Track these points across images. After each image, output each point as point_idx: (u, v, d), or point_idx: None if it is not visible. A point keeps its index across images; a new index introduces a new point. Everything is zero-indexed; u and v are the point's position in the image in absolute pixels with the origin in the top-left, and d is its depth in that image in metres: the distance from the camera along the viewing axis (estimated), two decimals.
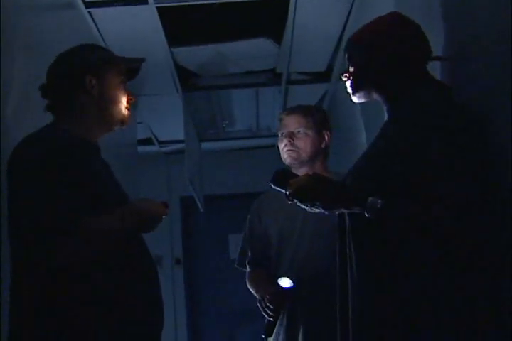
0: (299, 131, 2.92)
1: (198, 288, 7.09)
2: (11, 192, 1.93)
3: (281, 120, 3.03)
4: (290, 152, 2.91)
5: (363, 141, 3.99)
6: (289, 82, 5.06)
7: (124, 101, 2.18)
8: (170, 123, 5.79)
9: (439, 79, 2.07)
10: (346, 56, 2.06)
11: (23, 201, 1.88)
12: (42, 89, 2.14)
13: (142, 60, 2.34)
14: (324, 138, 2.95)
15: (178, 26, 4.05)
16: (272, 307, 2.65)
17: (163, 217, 2.08)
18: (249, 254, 3.03)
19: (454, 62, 2.10)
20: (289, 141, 2.91)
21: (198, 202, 5.85)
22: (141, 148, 5.80)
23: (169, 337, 6.60)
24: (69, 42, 2.22)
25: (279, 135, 3.00)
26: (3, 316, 2.11)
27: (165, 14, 3.81)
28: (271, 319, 2.66)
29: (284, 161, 2.97)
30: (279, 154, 3.01)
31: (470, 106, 1.88)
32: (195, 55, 4.51)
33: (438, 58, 2.03)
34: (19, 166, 1.94)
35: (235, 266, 3.13)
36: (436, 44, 2.07)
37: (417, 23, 1.98)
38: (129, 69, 2.26)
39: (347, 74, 2.04)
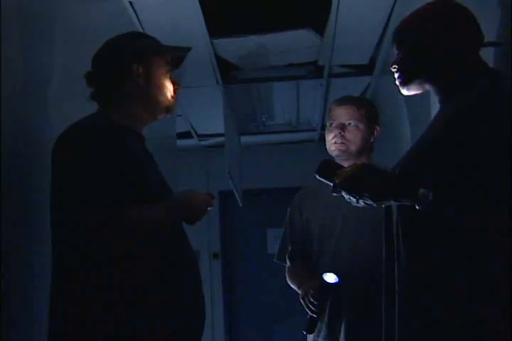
0: (349, 124, 2.84)
1: (236, 283, 7.06)
2: (54, 181, 1.91)
3: (331, 110, 2.93)
4: (338, 144, 2.82)
5: (407, 135, 3.90)
6: (331, 75, 4.98)
7: (170, 90, 2.14)
8: (209, 116, 5.75)
9: (492, 65, 1.99)
10: (395, 45, 1.98)
11: (66, 190, 1.84)
12: (87, 76, 2.11)
13: (189, 48, 2.30)
14: (373, 132, 2.88)
15: (220, 17, 4.00)
16: (316, 303, 2.59)
17: (209, 208, 2.04)
18: (289, 248, 2.97)
19: (508, 48, 2.00)
20: (340, 133, 2.82)
21: (236, 197, 5.81)
22: (180, 142, 5.73)
23: (206, 331, 6.55)
24: (109, 32, 2.20)
25: (328, 125, 2.91)
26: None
27: (206, 4, 3.76)
28: (314, 315, 2.60)
29: (330, 152, 2.88)
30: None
31: None
32: (236, 46, 4.45)
33: (492, 43, 1.93)
34: (63, 155, 1.91)
35: (275, 260, 3.07)
36: (491, 29, 1.98)
37: (469, 8, 1.90)
38: (175, 58, 2.21)
39: (396, 66, 1.95)
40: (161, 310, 1.87)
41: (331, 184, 1.83)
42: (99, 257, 1.81)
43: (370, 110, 2.91)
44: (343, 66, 4.91)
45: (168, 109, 2.15)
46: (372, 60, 4.72)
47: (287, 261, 2.98)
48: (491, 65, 2.00)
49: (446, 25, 1.85)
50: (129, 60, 2.06)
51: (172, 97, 2.15)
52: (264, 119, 6.22)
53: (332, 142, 2.85)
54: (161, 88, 2.11)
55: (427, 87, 1.92)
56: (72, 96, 2.40)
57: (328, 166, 1.92)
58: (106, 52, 2.11)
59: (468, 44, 1.86)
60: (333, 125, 2.87)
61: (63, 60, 2.63)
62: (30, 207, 2.31)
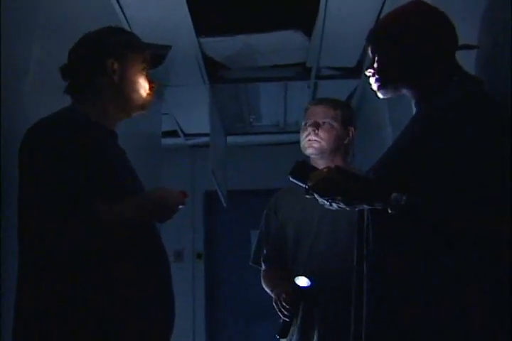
0: (324, 122, 2.84)
1: (218, 283, 7.03)
2: (21, 176, 1.86)
3: (307, 110, 2.94)
4: (312, 142, 2.82)
5: (390, 138, 3.90)
6: (319, 77, 4.98)
7: (145, 87, 2.11)
8: (196, 116, 5.73)
9: (471, 67, 1.97)
10: (370, 48, 1.96)
11: (32, 185, 1.81)
12: (62, 69, 2.08)
13: (168, 47, 2.28)
14: (349, 133, 2.87)
15: (207, 15, 3.98)
16: (288, 307, 2.57)
17: (180, 206, 2.00)
18: (265, 251, 2.95)
19: (489, 51, 1.98)
20: (313, 131, 2.82)
21: (220, 197, 5.78)
22: (166, 140, 5.74)
23: (187, 331, 6.57)
24: (93, 27, 2.16)
25: (303, 125, 2.92)
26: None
27: (193, 3, 3.74)
28: (287, 319, 2.58)
29: (303, 151, 2.88)
30: None
31: (503, 99, 1.78)
32: (223, 45, 4.44)
33: (468, 46, 1.89)
34: (31, 149, 1.87)
35: (250, 263, 3.05)
36: (473, 33, 1.97)
37: (443, 11, 1.87)
38: (155, 56, 2.19)
39: (372, 70, 1.93)
40: (128, 309, 1.84)
41: (304, 186, 1.81)
42: (65, 254, 1.77)
43: (345, 111, 2.91)
44: (330, 68, 4.89)
45: (142, 106, 2.12)
46: (360, 63, 4.70)
47: (262, 264, 2.96)
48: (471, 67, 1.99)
49: (423, 28, 1.83)
50: (104, 55, 2.04)
51: (147, 95, 2.12)
52: (251, 120, 6.20)
53: (306, 140, 2.85)
54: (135, 85, 2.08)
55: (403, 90, 1.90)
56: (50, 90, 2.37)
57: (302, 168, 1.90)
58: (82, 45, 2.09)
59: (444, 48, 1.84)
60: (307, 124, 2.87)
61: (42, 53, 2.60)
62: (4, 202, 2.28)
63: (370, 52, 1.95)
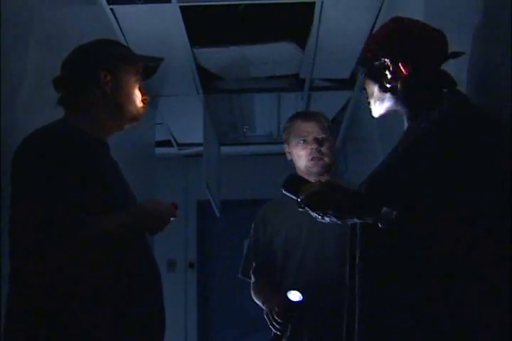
0: (323, 138, 2.83)
1: (210, 293, 7.02)
2: (13, 189, 1.87)
3: (298, 126, 2.89)
4: (317, 160, 2.80)
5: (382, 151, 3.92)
6: (312, 88, 5.00)
7: (138, 99, 2.12)
8: (190, 126, 5.74)
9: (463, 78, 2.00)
10: (363, 71, 1.97)
11: (24, 198, 1.81)
12: (55, 81, 2.09)
13: (161, 59, 2.29)
14: (335, 143, 2.90)
15: (201, 27, 3.99)
16: (280, 320, 2.56)
17: (172, 219, 2.01)
18: (254, 264, 2.94)
19: (482, 62, 2.00)
20: (317, 148, 2.79)
21: (213, 207, 5.79)
22: (159, 150, 5.74)
23: None
24: (89, 38, 2.18)
25: (297, 142, 2.86)
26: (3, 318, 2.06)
27: (188, 14, 3.76)
28: (278, 332, 2.58)
29: (306, 168, 2.83)
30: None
31: (497, 110, 1.79)
32: (217, 56, 4.46)
33: (455, 54, 1.90)
34: (23, 162, 1.88)
35: (239, 276, 3.04)
36: (467, 45, 1.99)
37: (426, 23, 1.89)
38: (147, 68, 2.20)
39: (367, 93, 1.95)
40: (118, 321, 1.84)
41: (297, 199, 1.82)
42: (55, 266, 1.77)
43: (329, 123, 2.95)
44: (324, 80, 4.91)
45: (134, 118, 2.13)
46: (353, 75, 4.72)
47: (252, 276, 2.94)
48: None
49: (412, 45, 1.84)
50: (97, 67, 2.04)
51: (140, 107, 2.13)
52: (245, 130, 6.22)
53: (308, 158, 2.81)
54: (127, 97, 2.08)
55: (398, 108, 1.91)
56: (43, 101, 2.38)
57: (295, 181, 1.91)
58: (75, 57, 2.10)
59: (434, 63, 1.85)
60: (306, 141, 2.83)
61: (37, 64, 2.61)
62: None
63: (364, 74, 1.97)
